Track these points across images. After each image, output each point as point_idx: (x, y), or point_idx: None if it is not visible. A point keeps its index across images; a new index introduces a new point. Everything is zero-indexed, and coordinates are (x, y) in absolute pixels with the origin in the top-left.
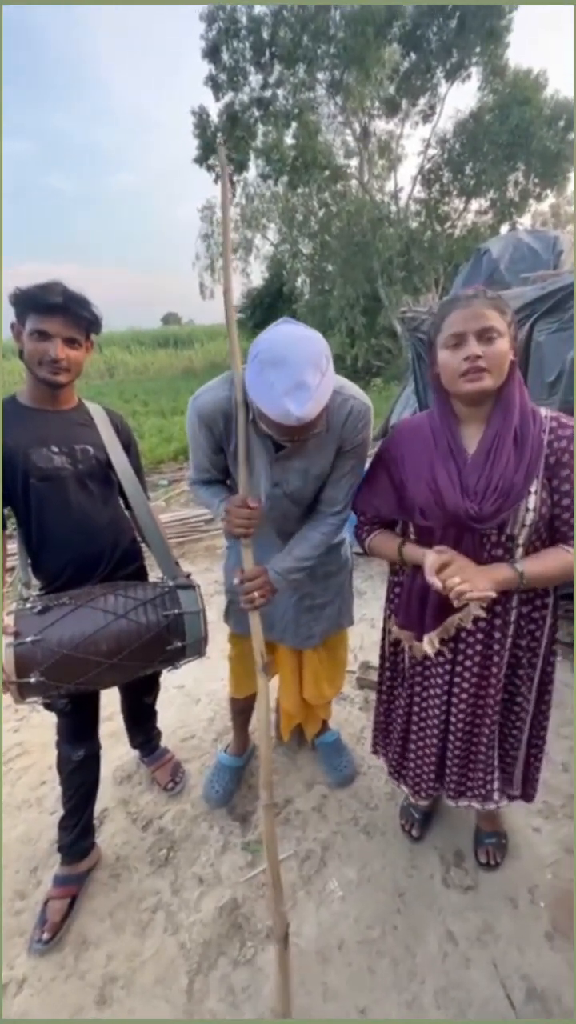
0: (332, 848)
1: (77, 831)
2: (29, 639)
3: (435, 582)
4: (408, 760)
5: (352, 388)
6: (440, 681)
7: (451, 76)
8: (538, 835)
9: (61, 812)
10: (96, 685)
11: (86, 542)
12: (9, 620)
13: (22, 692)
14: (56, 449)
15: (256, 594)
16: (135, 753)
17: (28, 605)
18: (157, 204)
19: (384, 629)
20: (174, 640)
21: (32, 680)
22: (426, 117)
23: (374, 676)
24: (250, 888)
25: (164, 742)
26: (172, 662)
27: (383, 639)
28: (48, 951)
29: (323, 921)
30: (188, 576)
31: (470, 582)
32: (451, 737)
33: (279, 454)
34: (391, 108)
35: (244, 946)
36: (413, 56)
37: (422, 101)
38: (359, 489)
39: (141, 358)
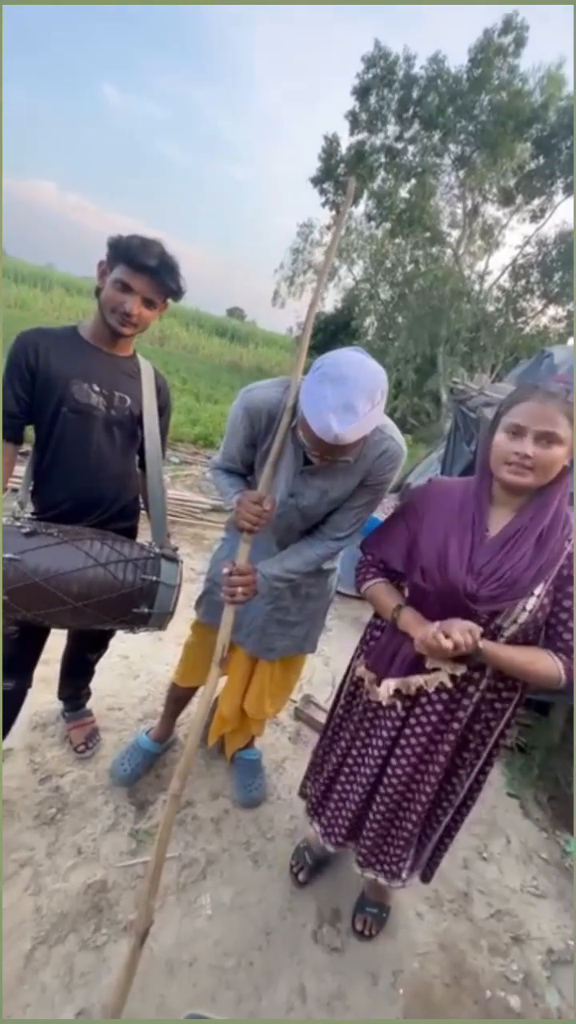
0: (216, 864)
1: None
2: (7, 556)
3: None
4: (329, 801)
5: (393, 430)
6: (385, 734)
7: (569, 189)
8: (419, 921)
9: None
10: (52, 622)
11: (92, 484)
12: None
13: None
14: (97, 388)
15: (240, 589)
16: (58, 706)
17: (17, 524)
18: (258, 205)
19: (349, 667)
20: (142, 605)
21: None
22: (534, 217)
23: (314, 711)
24: (124, 876)
25: (90, 705)
26: (132, 625)
27: (345, 677)
28: None
29: (183, 933)
30: (175, 550)
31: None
32: (379, 799)
33: (305, 468)
34: (506, 198)
35: (98, 931)
36: (541, 160)
37: (535, 202)
38: (374, 530)
39: (195, 338)
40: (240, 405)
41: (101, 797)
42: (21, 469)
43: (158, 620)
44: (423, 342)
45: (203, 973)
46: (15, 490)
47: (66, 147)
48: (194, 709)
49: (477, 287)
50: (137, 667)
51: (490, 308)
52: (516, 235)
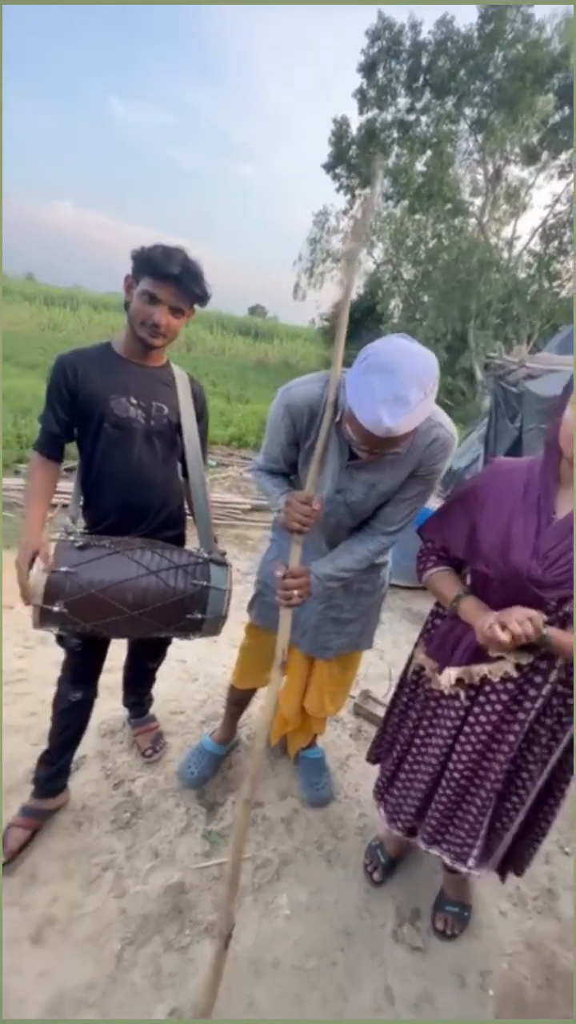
0: (290, 864)
1: (55, 769)
2: (63, 569)
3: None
4: (394, 786)
5: (443, 417)
6: (449, 724)
7: None
8: (503, 920)
9: (44, 746)
10: (110, 632)
11: (137, 494)
12: (50, 548)
13: (41, 618)
14: (135, 401)
15: (295, 592)
16: (124, 712)
17: (71, 539)
18: (270, 201)
19: (411, 655)
20: (195, 611)
21: (55, 609)
22: (563, 172)
23: (373, 706)
24: (200, 877)
25: (153, 710)
26: (186, 632)
27: (408, 664)
28: None
29: (263, 934)
30: (223, 554)
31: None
32: (444, 784)
33: (351, 462)
34: (530, 156)
35: (181, 932)
36: (566, 110)
37: (563, 156)
38: (433, 516)
39: (220, 341)
40: (280, 404)
41: (172, 800)
42: (69, 485)
43: (212, 625)
44: (452, 319)
45: (287, 973)
46: (66, 506)
47: (76, 165)
48: (254, 710)
49: (506, 255)
50: (195, 671)
51: (521, 275)
52: (544, 194)
